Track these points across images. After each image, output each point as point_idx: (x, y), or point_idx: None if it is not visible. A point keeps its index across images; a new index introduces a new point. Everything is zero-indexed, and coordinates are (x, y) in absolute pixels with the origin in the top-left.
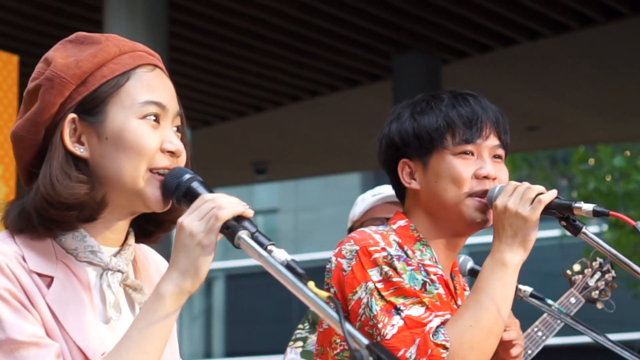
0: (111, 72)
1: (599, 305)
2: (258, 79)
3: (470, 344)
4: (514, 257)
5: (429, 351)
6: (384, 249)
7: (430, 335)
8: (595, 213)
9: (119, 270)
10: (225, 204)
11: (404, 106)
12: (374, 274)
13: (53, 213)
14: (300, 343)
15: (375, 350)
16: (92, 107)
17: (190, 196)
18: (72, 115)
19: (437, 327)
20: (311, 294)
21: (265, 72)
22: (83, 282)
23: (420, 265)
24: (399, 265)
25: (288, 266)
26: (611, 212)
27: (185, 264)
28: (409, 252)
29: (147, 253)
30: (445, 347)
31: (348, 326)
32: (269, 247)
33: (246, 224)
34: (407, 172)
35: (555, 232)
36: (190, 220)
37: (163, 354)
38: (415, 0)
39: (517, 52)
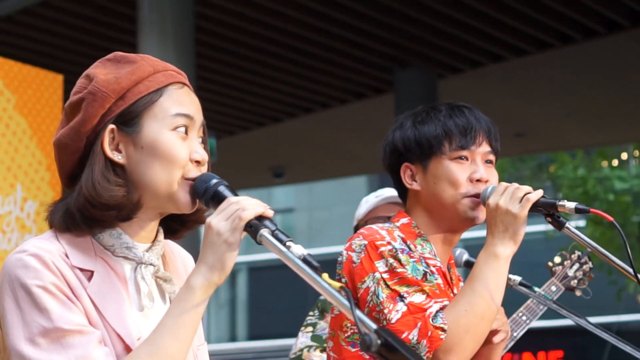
0: (146, 88)
1: (577, 293)
2: (275, 93)
3: (465, 327)
4: (505, 250)
5: (429, 333)
6: (389, 243)
7: (430, 319)
8: (577, 210)
9: (151, 264)
10: (248, 205)
11: (406, 116)
12: (380, 266)
13: (94, 212)
14: (310, 328)
15: (383, 333)
16: (130, 119)
17: (217, 199)
18: (111, 126)
19: (437, 312)
20: (325, 284)
21: (282, 87)
22: (119, 275)
23: (421, 257)
24: (402, 257)
25: (304, 260)
26: (591, 210)
27: (212, 259)
28: (412, 246)
29: (173, 248)
30: (443, 330)
31: (358, 312)
32: (288, 243)
33: (267, 222)
34: (408, 174)
35: (541, 227)
36: (218, 220)
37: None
38: (414, 22)
39: (505, 67)
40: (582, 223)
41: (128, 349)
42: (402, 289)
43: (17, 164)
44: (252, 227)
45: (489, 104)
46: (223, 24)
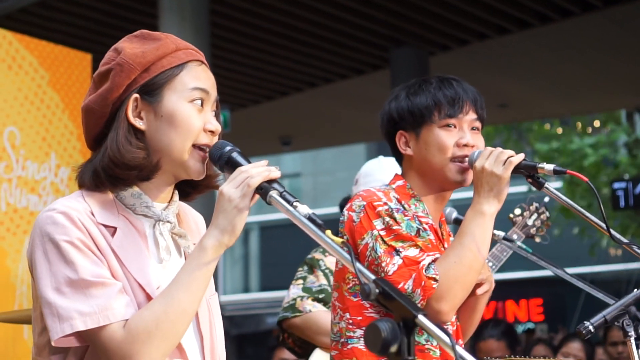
0: (169, 63)
1: (537, 239)
2: (282, 70)
3: (455, 277)
4: (490, 207)
5: (423, 283)
6: (385, 204)
7: (424, 271)
8: (556, 171)
9: (168, 221)
10: (256, 173)
11: (401, 89)
12: (377, 224)
13: (117, 172)
14: (300, 281)
15: (380, 283)
16: (152, 90)
17: (231, 164)
18: (135, 95)
19: (429, 264)
20: (329, 240)
21: (288, 64)
22: (140, 231)
23: (414, 216)
24: (397, 216)
25: (310, 218)
26: (568, 171)
27: (224, 223)
28: (406, 206)
29: (186, 209)
30: (435, 280)
31: (358, 265)
32: (295, 204)
33: (275, 185)
34: (403, 141)
35: (522, 188)
36: (229, 188)
37: None
38: (407, 4)
39: (490, 45)
40: (558, 184)
41: (149, 297)
42: (398, 244)
43: (51, 135)
44: (263, 190)
45: (475, 78)
46: (235, 8)
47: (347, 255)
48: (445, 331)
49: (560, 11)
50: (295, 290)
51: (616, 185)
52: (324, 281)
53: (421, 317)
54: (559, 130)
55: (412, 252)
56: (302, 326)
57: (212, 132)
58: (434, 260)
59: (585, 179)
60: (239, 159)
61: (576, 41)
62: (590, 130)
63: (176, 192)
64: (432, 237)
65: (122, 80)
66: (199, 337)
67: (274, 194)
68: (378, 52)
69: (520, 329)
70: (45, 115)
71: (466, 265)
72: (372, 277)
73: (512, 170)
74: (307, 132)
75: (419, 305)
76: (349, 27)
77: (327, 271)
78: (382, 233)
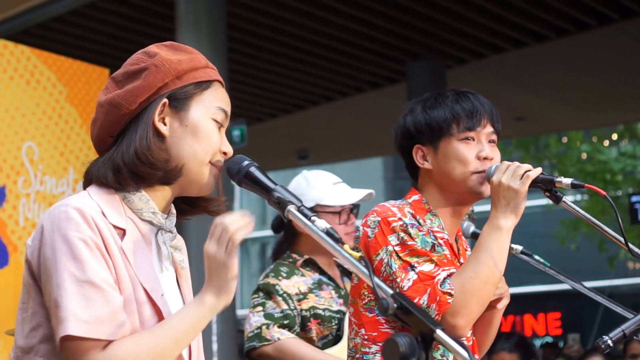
0: (200, 76)
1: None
2: (299, 84)
3: (471, 291)
4: (507, 222)
5: (438, 298)
6: (400, 219)
7: (439, 285)
8: (574, 185)
9: (170, 231)
10: (236, 229)
11: (416, 102)
12: (392, 239)
13: (142, 170)
14: (260, 308)
15: (399, 298)
16: (181, 98)
17: (249, 178)
18: (164, 100)
19: (444, 278)
20: (347, 254)
21: (305, 78)
22: (145, 236)
23: (430, 231)
24: (412, 231)
25: (328, 233)
26: (586, 185)
27: (218, 283)
28: (421, 221)
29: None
30: (450, 295)
31: (376, 279)
32: (312, 218)
33: (294, 199)
34: (420, 155)
35: (540, 202)
36: (212, 247)
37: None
38: (424, 18)
39: (506, 58)
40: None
41: (153, 303)
42: (413, 260)
43: (69, 150)
44: (281, 204)
45: (491, 92)
46: (252, 21)
47: (365, 270)
48: (464, 346)
49: (577, 24)
50: (256, 318)
51: (634, 198)
52: (284, 306)
53: (439, 332)
54: (577, 143)
55: (427, 267)
56: (274, 355)
57: (225, 153)
58: (449, 275)
59: (603, 192)
60: (257, 173)
61: (593, 54)
62: (607, 143)
63: (173, 206)
64: (447, 252)
65: (155, 81)
66: (187, 348)
67: (291, 208)
68: (395, 65)
69: (538, 343)
70: (63, 130)
71: (482, 280)
72: (390, 291)
73: (529, 184)
74: (324, 145)
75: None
76: (366, 41)
77: (285, 295)
78: (397, 249)
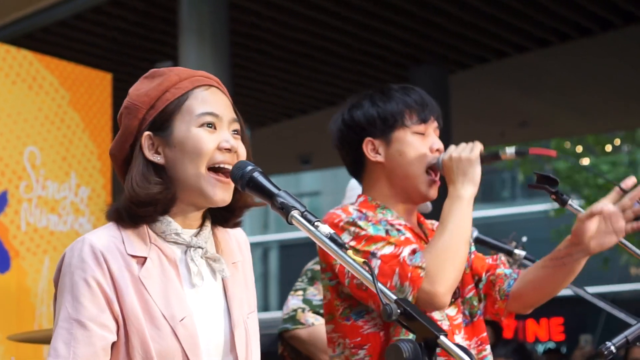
0: (173, 95)
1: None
2: (302, 88)
3: (444, 258)
4: (467, 191)
5: (409, 274)
6: (346, 217)
7: (408, 261)
8: (517, 153)
9: (199, 247)
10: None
11: (360, 98)
12: (345, 237)
13: (136, 210)
14: (300, 292)
15: (402, 304)
16: (161, 123)
17: (252, 183)
18: (147, 133)
19: (410, 253)
20: (350, 260)
21: (307, 83)
22: (170, 258)
23: (381, 221)
24: (361, 223)
25: (331, 238)
26: (531, 150)
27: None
28: (368, 214)
29: (228, 229)
30: (421, 267)
31: (380, 285)
32: (316, 223)
33: (297, 205)
34: (371, 148)
35: (541, 207)
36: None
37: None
38: (427, 23)
39: (509, 63)
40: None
41: (171, 328)
42: (372, 247)
43: (72, 154)
44: (284, 209)
45: (495, 96)
46: (255, 27)
47: (369, 275)
48: (467, 352)
49: (580, 29)
50: (295, 301)
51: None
52: None
53: (443, 338)
54: (579, 149)
55: (388, 249)
56: (307, 340)
57: (228, 150)
58: (413, 250)
59: (554, 153)
60: (260, 178)
61: (596, 59)
62: (610, 148)
63: (208, 217)
64: (409, 235)
65: (131, 122)
66: (233, 359)
67: (295, 213)
68: (397, 70)
69: (541, 348)
70: (65, 135)
71: (454, 246)
72: (394, 297)
73: (479, 153)
74: (327, 150)
75: (411, 297)
76: (368, 46)
77: None
78: (352, 243)
